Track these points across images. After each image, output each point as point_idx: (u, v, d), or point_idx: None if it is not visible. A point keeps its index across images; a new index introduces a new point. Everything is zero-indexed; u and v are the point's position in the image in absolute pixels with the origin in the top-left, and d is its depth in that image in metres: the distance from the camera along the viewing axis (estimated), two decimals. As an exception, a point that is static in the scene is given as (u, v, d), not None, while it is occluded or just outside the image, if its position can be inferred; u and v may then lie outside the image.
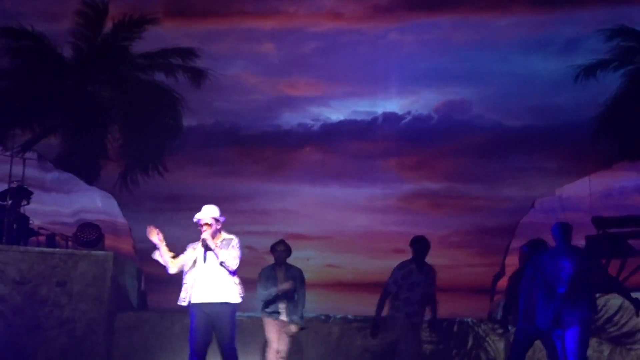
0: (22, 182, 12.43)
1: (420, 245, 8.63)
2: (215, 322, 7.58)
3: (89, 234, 11.88)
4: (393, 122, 16.56)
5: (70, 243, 12.25)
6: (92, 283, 11.00)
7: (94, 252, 11.35)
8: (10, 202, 12.15)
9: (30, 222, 12.46)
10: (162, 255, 7.61)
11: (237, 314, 7.77)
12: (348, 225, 14.83)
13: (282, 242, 9.38)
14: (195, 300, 7.59)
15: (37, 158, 14.23)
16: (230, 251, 7.63)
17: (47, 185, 14.12)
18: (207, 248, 7.60)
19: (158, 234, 7.59)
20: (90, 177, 15.13)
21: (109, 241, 12.51)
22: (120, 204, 14.26)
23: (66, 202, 14.09)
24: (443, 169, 16.56)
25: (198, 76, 15.69)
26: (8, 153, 12.63)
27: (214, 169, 16.19)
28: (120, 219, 14.11)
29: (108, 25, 15.85)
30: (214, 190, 15.61)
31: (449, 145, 16.61)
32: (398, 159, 16.75)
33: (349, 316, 11.21)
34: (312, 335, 10.75)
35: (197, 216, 7.69)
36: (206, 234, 7.59)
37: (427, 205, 16.24)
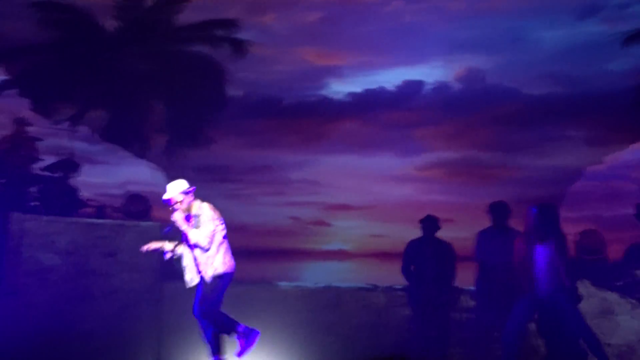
0: (71, 155, 12.64)
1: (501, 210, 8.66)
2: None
3: (137, 205, 12.03)
4: (437, 91, 16.47)
5: (118, 214, 12.43)
6: (140, 253, 11.14)
7: (141, 223, 11.49)
8: (60, 174, 12.39)
9: (80, 194, 12.68)
10: (177, 250, 7.73)
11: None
12: (391, 195, 14.83)
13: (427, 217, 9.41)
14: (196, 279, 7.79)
15: (85, 131, 14.45)
16: (200, 230, 7.65)
17: (95, 157, 14.33)
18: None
19: (149, 248, 7.70)
20: (137, 149, 15.30)
21: (156, 212, 12.66)
22: (166, 175, 14.41)
23: (114, 174, 14.29)
24: (486, 137, 16.47)
25: (240, 47, 15.72)
26: (57, 126, 12.84)
27: (255, 139, 16.24)
28: (167, 190, 14.26)
29: (149, -2, 15.98)
30: (256, 160, 15.69)
31: (488, 113, 16.48)
32: (438, 128, 16.66)
33: (395, 286, 11.26)
34: (358, 305, 10.82)
35: (165, 197, 7.69)
36: (176, 215, 7.61)
37: (469, 174, 16.18)
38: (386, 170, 15.37)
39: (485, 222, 8.99)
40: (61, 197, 12.14)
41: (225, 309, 10.73)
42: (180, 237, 7.79)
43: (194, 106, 15.60)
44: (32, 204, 12.00)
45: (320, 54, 17.11)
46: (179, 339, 10.77)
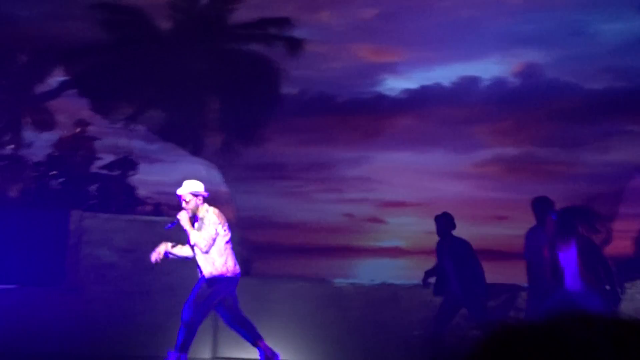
0: (129, 153, 12.83)
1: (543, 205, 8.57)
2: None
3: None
4: (494, 86, 16.29)
5: (175, 212, 12.56)
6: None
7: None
8: (118, 172, 12.59)
9: (137, 192, 12.87)
10: (184, 251, 7.81)
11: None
12: (446, 191, 14.70)
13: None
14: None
15: (142, 129, 14.65)
16: (202, 232, 7.80)
17: (152, 156, 14.53)
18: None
19: (159, 255, 7.79)
20: (192, 147, 15.46)
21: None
22: (221, 173, 14.54)
23: (170, 172, 14.45)
24: (543, 133, 16.23)
25: (294, 45, 15.75)
26: (115, 125, 13.05)
27: (310, 137, 16.27)
28: (222, 188, 14.39)
29: (205, -3, 16.13)
30: (310, 158, 15.71)
31: (546, 109, 16.25)
32: (495, 124, 16.49)
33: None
34: (414, 302, 10.78)
35: (177, 192, 7.92)
36: (182, 214, 7.83)
37: (526, 171, 15.98)
38: (441, 166, 15.26)
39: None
40: (119, 195, 12.33)
41: (281, 305, 10.78)
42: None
43: (248, 104, 15.68)
44: (91, 202, 12.21)
45: (376, 51, 17.06)
46: (234, 333, 10.83)
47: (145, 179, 13.35)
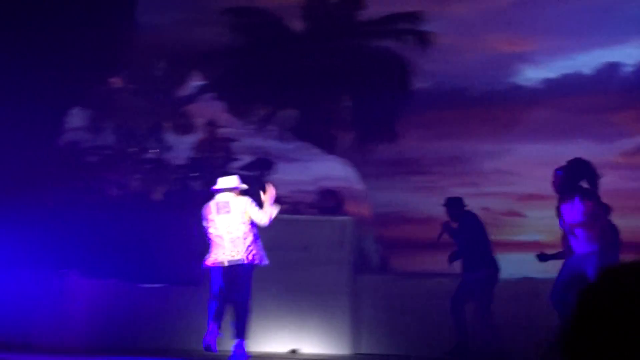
0: (265, 154, 13.09)
1: None
2: None
3: (330, 201, 12.28)
4: (638, 72, 15.62)
5: (312, 210, 12.73)
6: (334, 247, 11.37)
7: (334, 218, 11.72)
8: (255, 173, 12.87)
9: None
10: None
11: None
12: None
13: None
14: None
15: (277, 130, 14.90)
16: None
17: (288, 155, 14.75)
18: None
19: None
20: (328, 145, 15.60)
21: (348, 207, 12.87)
22: (356, 170, 14.60)
23: (306, 171, 14.64)
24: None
25: (425, 39, 15.65)
26: (251, 127, 13.35)
27: (444, 130, 16.06)
28: (358, 185, 14.45)
29: (334, -4, 16.25)
30: (445, 152, 15.53)
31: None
32: (638, 112, 15.81)
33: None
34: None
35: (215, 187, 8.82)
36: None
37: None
38: (583, 157, 14.71)
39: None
40: (258, 195, 12.57)
41: (419, 301, 10.71)
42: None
43: (380, 100, 15.68)
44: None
45: (511, 40, 16.67)
46: (374, 331, 10.88)
47: (282, 178, 13.56)
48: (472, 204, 10.86)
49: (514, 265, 11.34)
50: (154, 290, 11.18)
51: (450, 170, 14.94)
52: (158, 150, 13.16)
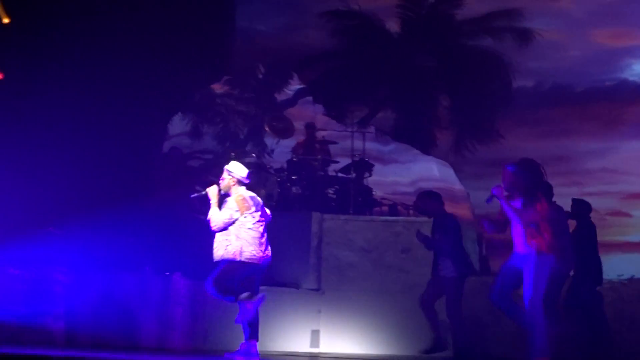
0: (363, 156, 13.10)
1: None
2: None
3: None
4: None
5: (411, 211, 12.66)
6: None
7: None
8: (354, 175, 12.89)
9: (373, 193, 13.09)
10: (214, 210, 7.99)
11: None
12: None
13: None
14: None
15: (375, 131, 14.90)
16: (221, 212, 7.86)
17: (386, 157, 14.74)
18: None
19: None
20: (426, 146, 15.51)
21: (448, 208, 12.74)
22: (456, 171, 14.46)
23: (405, 172, 14.59)
24: None
25: (526, 36, 15.38)
26: (349, 129, 13.39)
27: (548, 129, 15.74)
28: (458, 186, 14.31)
29: (432, -4, 16.15)
30: (549, 151, 15.19)
31: None
32: None
33: None
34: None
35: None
36: (211, 188, 7.94)
37: None
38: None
39: None
40: (357, 197, 12.61)
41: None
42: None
43: (480, 100, 15.49)
44: (330, 204, 12.58)
45: (617, 34, 16.20)
46: (474, 332, 10.71)
47: (381, 180, 13.55)
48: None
49: (621, 266, 11.06)
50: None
51: (553, 169, 14.57)
52: (256, 153, 13.35)
